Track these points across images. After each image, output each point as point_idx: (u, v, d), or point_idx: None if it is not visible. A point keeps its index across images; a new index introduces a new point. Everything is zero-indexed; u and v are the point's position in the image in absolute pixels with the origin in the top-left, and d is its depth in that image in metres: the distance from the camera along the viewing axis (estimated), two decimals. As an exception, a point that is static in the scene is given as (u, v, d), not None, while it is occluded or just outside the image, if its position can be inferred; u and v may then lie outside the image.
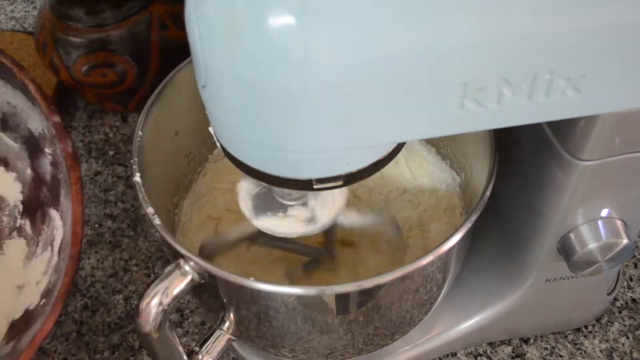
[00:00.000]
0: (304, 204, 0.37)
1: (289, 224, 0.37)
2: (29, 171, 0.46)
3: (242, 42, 0.25)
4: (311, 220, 0.37)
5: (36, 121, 0.43)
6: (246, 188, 0.38)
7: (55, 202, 0.45)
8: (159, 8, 0.61)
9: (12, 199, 0.48)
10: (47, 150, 0.44)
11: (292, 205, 0.37)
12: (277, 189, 0.37)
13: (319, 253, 0.46)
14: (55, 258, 0.45)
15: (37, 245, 0.47)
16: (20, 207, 0.48)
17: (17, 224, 0.47)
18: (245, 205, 0.38)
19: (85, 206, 0.42)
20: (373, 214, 0.48)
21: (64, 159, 0.41)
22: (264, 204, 0.38)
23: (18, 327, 0.44)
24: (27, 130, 0.44)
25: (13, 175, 0.48)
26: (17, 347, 0.42)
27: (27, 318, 0.44)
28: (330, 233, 0.45)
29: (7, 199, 0.48)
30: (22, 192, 0.48)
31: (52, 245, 0.46)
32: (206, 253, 0.44)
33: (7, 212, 0.48)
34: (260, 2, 0.24)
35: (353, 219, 0.43)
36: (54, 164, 0.44)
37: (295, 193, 0.37)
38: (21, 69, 0.44)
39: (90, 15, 0.59)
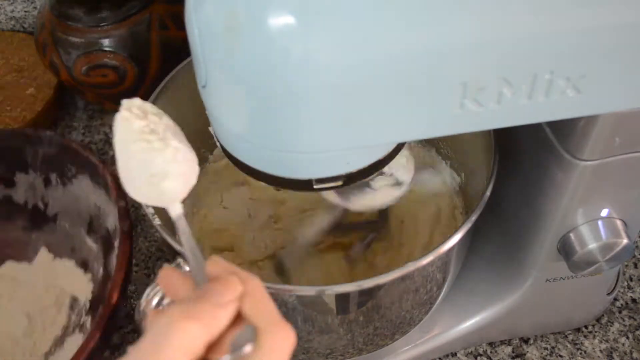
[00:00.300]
0: (383, 174, 0.38)
1: (382, 194, 0.38)
2: (101, 271, 0.47)
3: (242, 42, 0.25)
4: (397, 183, 0.39)
5: (111, 217, 0.44)
6: None
7: None
8: (159, 8, 0.61)
9: (83, 299, 0.49)
10: (115, 244, 0.45)
11: (374, 179, 0.37)
12: None
13: (377, 226, 0.47)
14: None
15: None
16: (88, 305, 0.48)
17: (81, 322, 0.48)
18: (332, 196, 0.38)
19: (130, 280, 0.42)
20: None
21: (119, 235, 0.41)
22: (347, 189, 0.38)
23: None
24: (105, 229, 0.45)
25: (89, 276, 0.49)
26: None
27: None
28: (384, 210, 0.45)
29: (80, 299, 0.49)
30: (92, 292, 0.48)
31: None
32: (286, 265, 0.46)
33: (76, 312, 0.48)
34: (260, 2, 0.24)
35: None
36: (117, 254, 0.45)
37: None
38: (104, 165, 0.45)
39: (90, 15, 0.59)
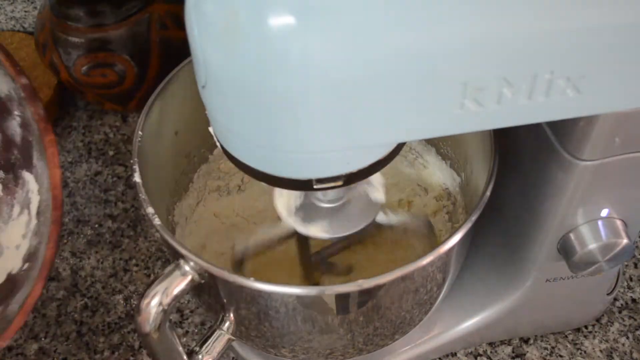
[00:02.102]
0: (345, 205, 0.38)
1: (335, 226, 0.38)
2: None
3: (241, 42, 0.25)
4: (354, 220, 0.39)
5: (1, 83, 0.43)
6: (286, 203, 0.39)
7: (27, 165, 0.45)
8: (159, 8, 0.61)
9: None
10: (15, 112, 0.44)
11: (333, 207, 0.38)
12: (314, 194, 0.37)
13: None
14: (34, 221, 0.45)
15: (12, 208, 0.47)
16: None
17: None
18: (292, 219, 0.38)
19: (62, 170, 0.42)
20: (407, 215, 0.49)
21: (36, 121, 0.40)
22: (308, 213, 0.38)
23: (3, 292, 0.44)
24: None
25: None
26: (5, 313, 0.42)
27: (11, 283, 0.44)
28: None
29: None
30: None
31: (28, 208, 0.46)
32: (238, 256, 0.45)
33: None
34: (260, 2, 0.24)
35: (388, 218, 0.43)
36: (24, 125, 0.44)
37: (332, 194, 0.37)
38: None
39: (90, 15, 0.59)
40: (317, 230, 0.38)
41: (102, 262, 0.57)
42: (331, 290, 0.34)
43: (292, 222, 0.39)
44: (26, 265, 0.44)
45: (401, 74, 0.25)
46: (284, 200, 0.39)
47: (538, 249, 0.42)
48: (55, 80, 0.68)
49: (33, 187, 0.45)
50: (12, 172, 0.46)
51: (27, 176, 0.46)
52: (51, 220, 0.42)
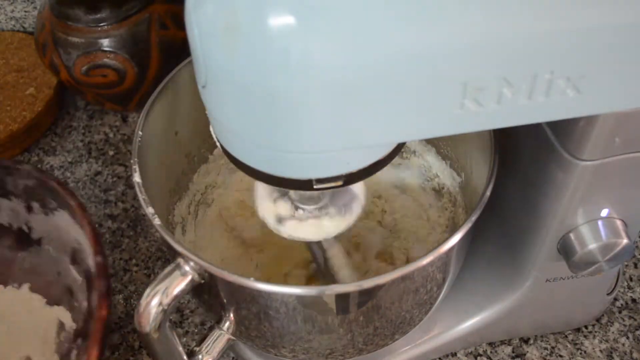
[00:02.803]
0: (321, 209, 0.37)
1: (307, 228, 0.38)
2: (85, 304, 0.48)
3: (241, 42, 0.25)
4: (318, 227, 0.38)
5: (91, 257, 0.46)
6: (264, 187, 0.38)
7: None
8: (159, 8, 0.61)
9: (68, 326, 0.50)
10: (95, 287, 0.46)
11: (309, 210, 0.37)
12: (292, 194, 0.37)
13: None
14: None
15: None
16: (73, 332, 0.50)
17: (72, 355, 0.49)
18: (267, 215, 0.38)
19: (103, 351, 0.42)
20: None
21: (97, 298, 0.42)
22: (284, 212, 0.38)
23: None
24: (88, 266, 0.46)
25: (74, 304, 0.50)
26: None
27: None
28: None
29: (66, 325, 0.50)
30: (75, 321, 0.50)
31: None
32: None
33: (62, 338, 0.50)
34: (260, 2, 0.24)
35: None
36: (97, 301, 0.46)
37: (310, 197, 0.37)
38: (84, 211, 0.46)
39: (90, 15, 0.59)
40: (303, 233, 0.38)
41: (102, 262, 0.57)
42: (331, 290, 0.34)
43: (276, 228, 0.38)
44: None
45: (401, 74, 0.25)
46: (266, 206, 0.39)
47: (538, 249, 0.42)
48: (55, 80, 0.68)
49: None
50: (87, 341, 0.47)
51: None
52: None
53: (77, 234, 0.46)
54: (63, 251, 0.49)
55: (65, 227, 0.48)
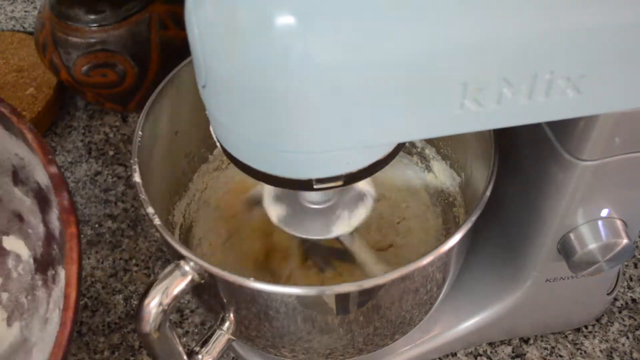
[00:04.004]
0: (331, 208, 0.38)
1: (316, 227, 0.38)
2: (41, 227, 0.43)
3: (242, 43, 0.25)
4: (336, 224, 0.39)
5: (42, 173, 0.40)
6: (272, 196, 0.39)
7: (63, 260, 0.40)
8: (159, 8, 0.61)
9: (26, 256, 0.45)
10: (54, 204, 0.41)
11: (318, 209, 0.38)
12: (302, 193, 0.37)
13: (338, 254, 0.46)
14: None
15: (48, 307, 0.44)
16: (33, 264, 0.44)
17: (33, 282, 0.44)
18: (276, 214, 0.38)
19: (82, 268, 0.37)
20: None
21: (60, 212, 0.38)
22: (293, 211, 0.38)
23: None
24: (36, 183, 0.41)
25: (28, 232, 0.45)
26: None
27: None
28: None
29: (21, 256, 0.45)
30: (33, 249, 0.45)
31: (59, 307, 0.42)
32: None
33: (20, 271, 0.45)
34: (261, 2, 0.24)
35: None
36: (60, 219, 0.40)
37: (319, 196, 0.37)
38: (19, 117, 0.40)
39: (90, 15, 0.59)
40: (310, 232, 0.39)
41: (102, 262, 0.57)
42: (331, 290, 0.34)
43: (286, 228, 0.39)
44: None
45: (401, 74, 0.25)
46: (278, 211, 0.39)
47: (538, 249, 0.42)
48: (55, 80, 0.68)
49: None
50: (53, 269, 0.44)
51: (62, 272, 0.42)
52: (60, 322, 0.36)
53: (15, 148, 0.41)
54: (2, 172, 0.43)
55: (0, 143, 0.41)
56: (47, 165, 0.39)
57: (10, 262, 0.45)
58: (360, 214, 0.39)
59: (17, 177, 0.43)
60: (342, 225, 0.39)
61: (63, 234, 0.37)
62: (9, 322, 0.46)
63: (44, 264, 0.44)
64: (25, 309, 0.45)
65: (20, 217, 0.44)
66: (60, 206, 0.38)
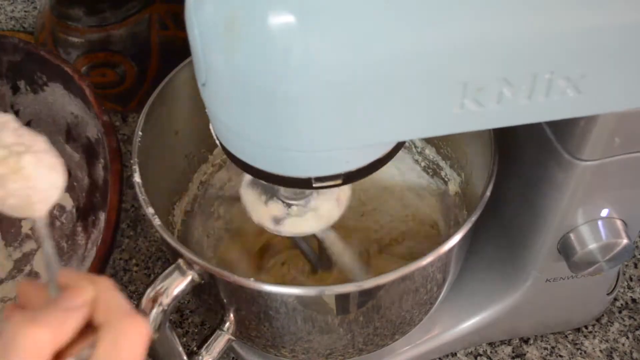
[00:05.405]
0: (307, 204, 0.37)
1: (305, 222, 0.38)
2: (86, 179, 0.46)
3: (242, 42, 0.25)
4: (316, 218, 0.38)
5: (92, 127, 0.43)
6: (251, 193, 0.38)
7: (104, 205, 0.45)
8: (159, 8, 0.61)
9: (69, 207, 0.48)
10: (101, 155, 0.44)
11: (301, 204, 0.37)
12: (282, 192, 0.37)
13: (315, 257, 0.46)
14: None
15: (86, 248, 0.47)
16: (75, 213, 0.48)
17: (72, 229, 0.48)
18: (264, 219, 0.38)
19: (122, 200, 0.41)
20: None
21: (108, 153, 0.41)
22: (278, 212, 0.38)
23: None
24: (86, 138, 0.44)
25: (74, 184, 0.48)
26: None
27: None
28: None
29: (66, 207, 0.48)
30: (77, 200, 0.48)
31: (96, 245, 0.46)
32: None
33: (63, 220, 0.48)
34: (261, 2, 0.24)
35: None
36: (105, 167, 0.44)
37: (297, 192, 0.37)
38: (80, 75, 0.43)
39: (90, 15, 0.59)
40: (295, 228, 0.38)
41: (102, 262, 0.57)
42: (331, 290, 0.34)
43: (276, 229, 0.38)
44: None
45: (401, 74, 0.25)
46: (260, 211, 0.38)
47: (538, 249, 0.42)
48: (55, 80, 0.68)
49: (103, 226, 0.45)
50: (93, 214, 0.46)
51: (102, 216, 0.45)
52: (101, 240, 0.41)
53: (72, 106, 0.43)
54: (56, 131, 0.46)
55: (57, 101, 0.44)
56: (101, 115, 0.41)
57: (55, 212, 0.48)
58: (341, 206, 0.38)
59: (70, 134, 0.45)
60: (313, 222, 0.38)
61: (107, 175, 0.40)
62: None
63: (85, 212, 0.46)
64: (65, 252, 0.48)
65: (68, 172, 0.46)
66: (109, 147, 0.40)
